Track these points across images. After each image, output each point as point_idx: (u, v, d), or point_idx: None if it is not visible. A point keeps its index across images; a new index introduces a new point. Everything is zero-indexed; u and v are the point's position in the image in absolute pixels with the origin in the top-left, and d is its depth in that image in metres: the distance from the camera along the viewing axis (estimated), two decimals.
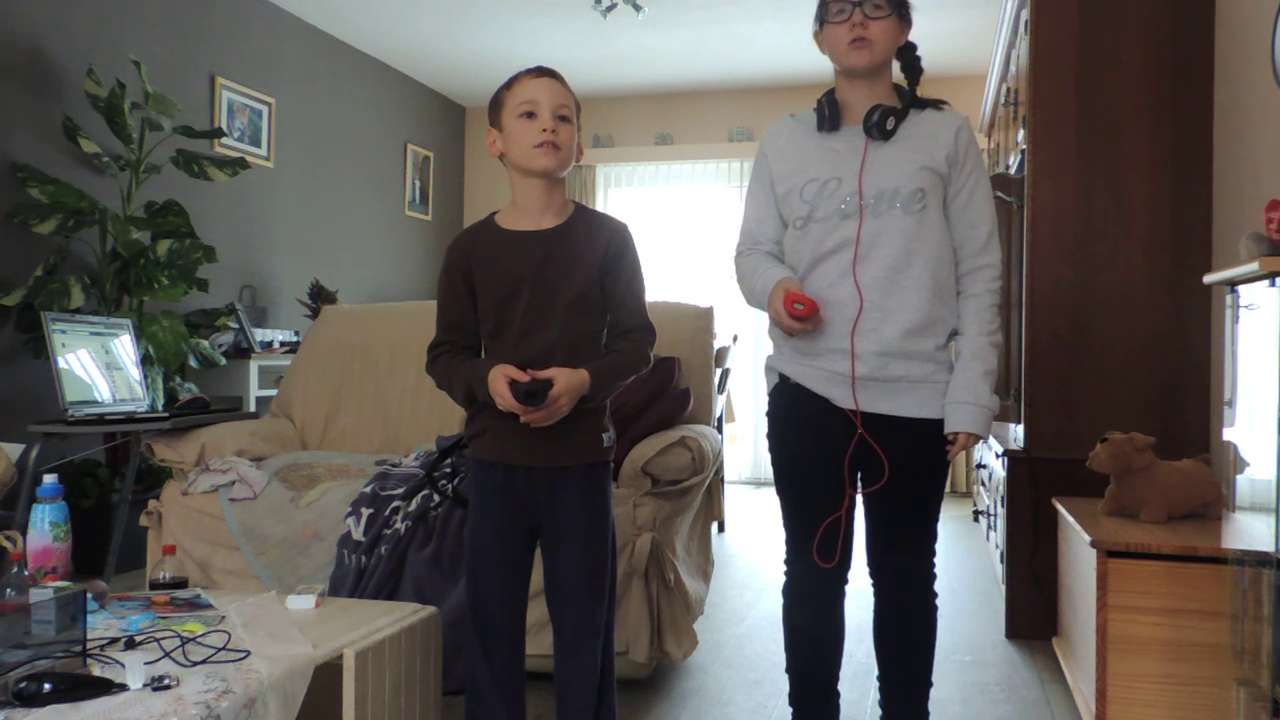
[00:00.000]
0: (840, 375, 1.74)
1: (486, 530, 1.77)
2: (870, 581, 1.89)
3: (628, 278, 1.77)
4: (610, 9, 4.68)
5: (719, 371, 4.69)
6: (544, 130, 1.69)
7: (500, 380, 1.64)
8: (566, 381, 1.64)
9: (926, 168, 1.74)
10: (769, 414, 1.87)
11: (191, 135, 4.06)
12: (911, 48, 1.81)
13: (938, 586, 1.87)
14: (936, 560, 1.87)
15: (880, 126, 1.73)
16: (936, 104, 1.81)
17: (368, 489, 2.58)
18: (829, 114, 1.79)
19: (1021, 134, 3.32)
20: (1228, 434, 2.01)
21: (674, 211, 6.86)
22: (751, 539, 4.67)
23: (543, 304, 1.71)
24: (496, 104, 1.75)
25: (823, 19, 1.77)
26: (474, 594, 1.77)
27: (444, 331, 1.80)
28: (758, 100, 6.69)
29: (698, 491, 2.70)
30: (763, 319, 1.87)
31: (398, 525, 2.48)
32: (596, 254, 1.74)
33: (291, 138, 5.37)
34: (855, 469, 1.79)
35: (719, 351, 4.54)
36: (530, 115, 1.70)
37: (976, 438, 1.74)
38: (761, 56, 6.03)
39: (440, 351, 1.79)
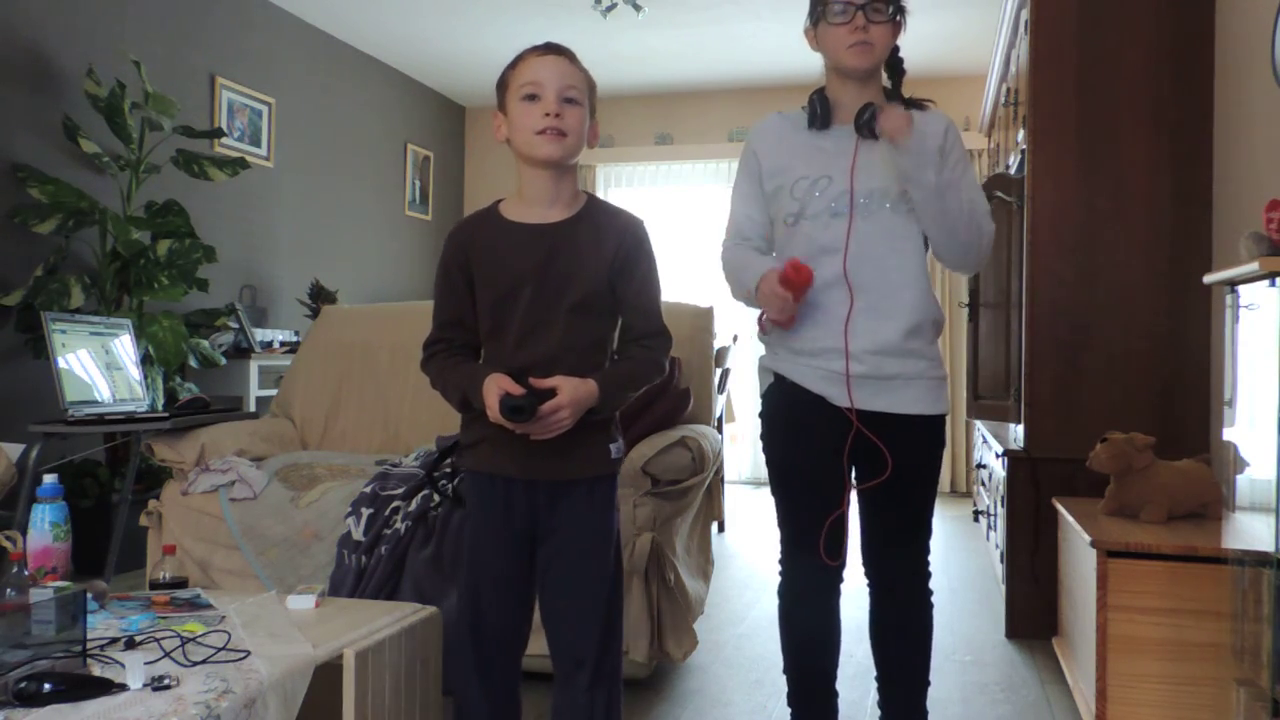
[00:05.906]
0: (837, 374, 1.74)
1: (485, 546, 1.64)
2: (866, 581, 1.89)
3: (641, 279, 1.62)
4: (610, 9, 4.68)
5: (719, 371, 4.69)
6: (547, 115, 1.53)
7: (492, 393, 1.50)
8: (572, 392, 1.50)
9: None
10: (762, 415, 1.87)
11: (191, 135, 4.07)
12: (895, 49, 1.81)
13: (936, 586, 1.88)
14: (932, 559, 1.87)
15: (870, 125, 1.73)
16: (921, 104, 1.80)
17: (368, 489, 2.58)
18: (820, 112, 1.79)
19: (1021, 134, 3.31)
20: (1228, 434, 2.01)
21: (674, 212, 6.85)
22: (751, 539, 4.67)
23: (545, 304, 1.57)
24: (502, 85, 1.60)
25: (819, 17, 1.76)
26: (472, 609, 1.66)
27: (440, 329, 1.67)
28: (758, 100, 6.68)
29: (698, 491, 2.70)
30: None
31: (398, 525, 2.48)
32: (607, 252, 1.59)
33: (291, 138, 5.37)
34: (851, 466, 1.79)
35: (719, 351, 4.54)
36: (534, 98, 1.54)
37: (900, 137, 1.62)
38: (761, 56, 6.02)
39: (436, 350, 1.67)
